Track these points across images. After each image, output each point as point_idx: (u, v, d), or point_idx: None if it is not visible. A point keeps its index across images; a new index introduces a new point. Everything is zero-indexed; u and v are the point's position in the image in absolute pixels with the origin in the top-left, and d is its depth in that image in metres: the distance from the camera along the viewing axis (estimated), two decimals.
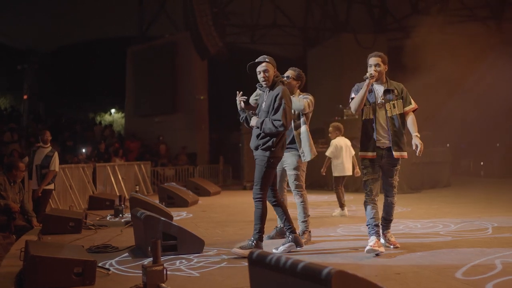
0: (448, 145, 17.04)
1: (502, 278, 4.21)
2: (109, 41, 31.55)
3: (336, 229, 7.26)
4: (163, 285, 4.08)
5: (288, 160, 6.32)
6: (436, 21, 21.01)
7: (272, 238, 6.51)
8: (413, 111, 5.68)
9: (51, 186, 9.20)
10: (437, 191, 12.95)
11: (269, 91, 5.53)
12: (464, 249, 5.52)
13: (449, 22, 21.40)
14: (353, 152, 9.10)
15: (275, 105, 5.35)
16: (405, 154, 5.59)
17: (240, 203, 11.42)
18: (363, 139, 5.63)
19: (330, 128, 9.32)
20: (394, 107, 5.56)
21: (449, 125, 16.78)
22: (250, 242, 5.46)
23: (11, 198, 7.71)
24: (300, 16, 24.26)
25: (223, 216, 9.23)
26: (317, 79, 21.33)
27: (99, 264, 4.83)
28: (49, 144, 9.23)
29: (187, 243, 5.63)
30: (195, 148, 21.10)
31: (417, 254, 5.31)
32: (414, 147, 5.49)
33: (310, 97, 6.38)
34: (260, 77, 5.55)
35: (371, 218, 5.48)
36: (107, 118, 33.77)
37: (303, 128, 6.31)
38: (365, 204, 5.56)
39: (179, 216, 9.16)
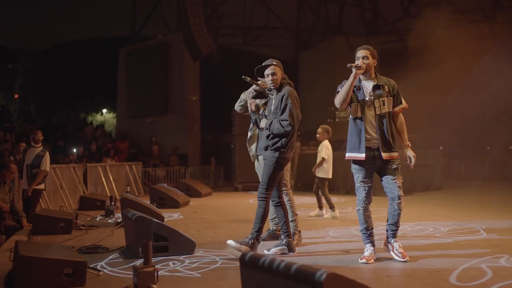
0: (441, 147, 17.12)
1: (496, 284, 4.19)
2: (102, 41, 31.44)
3: (328, 231, 7.26)
4: (154, 286, 4.07)
5: None
6: (427, 24, 21.12)
7: (263, 240, 6.50)
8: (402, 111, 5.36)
9: (42, 186, 9.14)
10: (429, 194, 13.00)
11: (277, 93, 5.63)
12: (455, 252, 5.53)
13: (441, 26, 21.51)
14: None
15: (282, 106, 5.46)
16: (395, 154, 5.16)
17: (232, 205, 11.42)
18: (352, 139, 5.24)
19: (320, 130, 9.33)
20: (384, 104, 5.18)
21: (440, 128, 16.85)
22: (247, 240, 5.53)
23: (1, 198, 7.65)
24: (293, 18, 24.32)
25: (214, 217, 9.21)
26: (310, 82, 21.36)
27: (90, 265, 4.80)
28: (40, 144, 9.18)
29: (178, 244, 5.61)
30: (186, 149, 21.06)
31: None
32: (408, 160, 5.21)
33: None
34: (268, 80, 5.64)
35: (364, 228, 5.22)
36: (98, 118, 33.64)
37: None
38: (358, 212, 5.26)
39: (170, 217, 9.13)
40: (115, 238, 6.78)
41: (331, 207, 8.85)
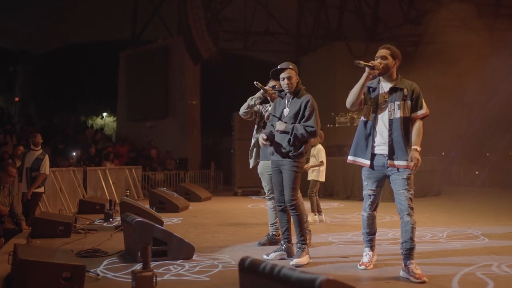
0: (443, 153, 17.12)
1: None
2: (102, 44, 31.51)
3: (327, 236, 7.26)
4: None
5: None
6: (427, 30, 21.19)
7: (262, 245, 6.51)
8: (422, 118, 4.88)
9: (41, 189, 9.14)
10: (428, 200, 12.99)
11: (293, 98, 5.56)
12: (454, 258, 5.53)
13: (441, 32, 21.55)
14: None
15: (307, 113, 5.42)
16: (402, 163, 4.74)
17: (231, 209, 11.41)
18: (358, 142, 4.95)
19: None
20: (398, 108, 4.76)
21: (440, 133, 16.86)
22: (300, 250, 5.42)
23: (0, 201, 7.65)
24: (293, 24, 24.37)
25: (213, 221, 9.21)
26: (309, 87, 21.25)
27: (88, 269, 4.80)
28: (39, 147, 9.18)
29: (177, 248, 5.61)
30: (186, 153, 21.07)
31: None
32: (409, 160, 4.68)
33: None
34: (283, 83, 5.57)
35: (366, 232, 5.10)
36: (98, 121, 33.66)
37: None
38: (363, 216, 5.09)
39: (170, 221, 9.13)
40: (114, 242, 6.77)
41: (319, 210, 8.87)
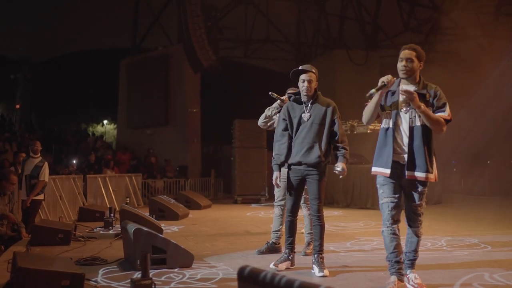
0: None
1: None
2: (103, 52, 31.61)
3: (327, 246, 7.24)
4: None
5: None
6: (427, 39, 21.24)
7: (262, 253, 6.50)
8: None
9: (41, 197, 9.14)
10: (428, 208, 12.83)
11: (311, 103, 5.45)
12: (454, 267, 5.52)
13: (441, 41, 21.61)
14: None
15: (336, 127, 5.42)
16: (422, 176, 4.41)
17: (231, 217, 11.39)
18: (379, 151, 4.56)
19: None
20: (419, 115, 4.40)
21: (440, 142, 16.87)
22: (322, 262, 5.35)
23: (1, 209, 7.65)
24: (293, 32, 24.41)
25: (213, 230, 9.19)
26: None
27: (87, 277, 4.80)
28: (39, 154, 9.18)
29: (176, 257, 5.61)
30: (186, 161, 21.06)
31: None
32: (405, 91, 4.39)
33: None
34: (303, 85, 5.44)
35: (391, 253, 4.51)
36: (99, 129, 33.70)
37: None
38: (383, 234, 4.57)
39: (169, 229, 9.12)
40: (113, 250, 6.77)
41: None
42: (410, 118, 4.43)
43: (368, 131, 13.67)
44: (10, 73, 30.37)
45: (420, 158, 4.40)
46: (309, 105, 5.45)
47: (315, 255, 5.39)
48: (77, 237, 7.63)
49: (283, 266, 5.48)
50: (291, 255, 5.56)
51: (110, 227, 8.89)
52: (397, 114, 4.46)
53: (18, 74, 30.46)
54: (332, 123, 5.39)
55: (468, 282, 4.79)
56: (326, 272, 5.24)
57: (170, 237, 6.02)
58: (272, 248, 6.53)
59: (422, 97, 4.41)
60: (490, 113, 17.99)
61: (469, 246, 6.93)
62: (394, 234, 4.48)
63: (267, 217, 11.22)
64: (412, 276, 4.55)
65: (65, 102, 32.84)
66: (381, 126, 4.59)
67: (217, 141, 23.12)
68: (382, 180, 4.53)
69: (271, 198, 15.28)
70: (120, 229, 7.33)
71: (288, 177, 5.51)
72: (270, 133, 6.81)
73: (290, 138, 5.51)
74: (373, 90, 4.39)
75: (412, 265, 4.58)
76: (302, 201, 6.25)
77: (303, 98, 5.48)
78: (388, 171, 4.45)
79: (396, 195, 4.48)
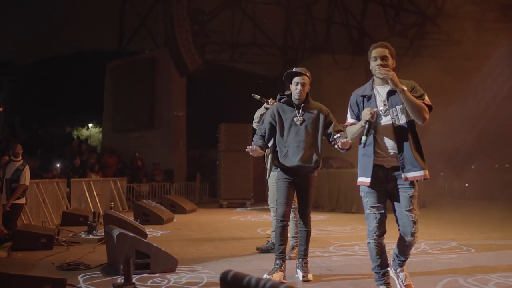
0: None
1: None
2: (88, 55, 31.40)
3: (313, 250, 7.24)
4: None
5: None
6: (412, 44, 21.41)
7: (263, 251, 6.52)
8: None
9: (22, 201, 9.01)
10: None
11: (303, 107, 5.30)
12: (437, 270, 5.54)
13: (426, 45, 21.80)
14: None
15: (333, 119, 5.34)
16: (419, 174, 4.19)
17: (216, 221, 11.36)
18: (361, 160, 4.35)
19: None
20: (402, 113, 4.18)
21: (425, 146, 16.96)
22: (306, 266, 5.29)
23: None
24: (280, 36, 24.46)
25: (198, 234, 9.16)
26: None
27: (70, 282, 4.74)
28: (20, 158, 9.06)
29: (160, 261, 5.57)
30: (172, 165, 20.98)
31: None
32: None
33: None
34: (296, 88, 5.28)
35: (377, 266, 4.35)
36: (84, 132, 33.48)
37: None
38: (369, 245, 4.37)
39: (154, 233, 9.07)
40: (97, 254, 6.71)
41: None
42: (392, 118, 4.21)
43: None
44: None
45: (412, 156, 4.18)
46: (301, 108, 5.31)
47: (300, 259, 5.35)
48: (60, 242, 7.56)
49: (277, 277, 5.12)
50: (283, 265, 5.26)
51: (94, 232, 8.82)
52: (377, 118, 4.24)
53: (2, 77, 30.15)
54: (328, 125, 5.29)
55: (452, 284, 4.80)
56: (310, 276, 5.22)
57: (154, 242, 5.98)
58: (272, 248, 6.49)
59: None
60: (474, 118, 18.15)
61: (453, 249, 6.96)
62: (380, 246, 4.31)
63: (252, 222, 11.21)
64: (402, 275, 4.46)
65: (49, 105, 32.56)
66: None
67: (203, 145, 23.06)
68: (366, 189, 4.30)
69: (257, 202, 15.36)
70: (103, 234, 7.27)
71: (281, 180, 5.31)
72: None
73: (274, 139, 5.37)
74: (364, 138, 4.18)
75: (401, 265, 4.49)
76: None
77: (295, 101, 5.32)
78: (368, 179, 4.24)
79: (381, 204, 4.27)
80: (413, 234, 4.21)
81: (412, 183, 4.21)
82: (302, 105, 5.32)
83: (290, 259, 6.23)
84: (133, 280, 4.80)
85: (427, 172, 4.23)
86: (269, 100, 6.41)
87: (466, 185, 17.65)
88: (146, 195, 16.57)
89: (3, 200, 8.89)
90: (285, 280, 5.17)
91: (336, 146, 5.19)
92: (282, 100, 5.43)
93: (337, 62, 20.74)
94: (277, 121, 5.31)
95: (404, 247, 4.36)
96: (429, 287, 4.76)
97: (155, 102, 21.92)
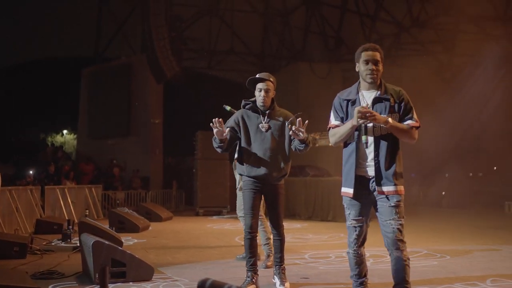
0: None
1: None
2: (64, 60, 31.10)
3: (290, 258, 7.23)
4: None
5: None
6: (389, 53, 21.64)
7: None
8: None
9: None
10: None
11: (268, 113, 5.16)
12: (411, 278, 5.57)
13: (401, 55, 22.08)
14: None
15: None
16: (392, 189, 4.01)
17: (192, 229, 11.31)
18: (343, 169, 4.19)
19: None
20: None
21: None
22: (283, 275, 5.21)
23: None
24: (258, 44, 24.56)
25: (174, 242, 9.10)
26: None
27: None
28: None
29: (136, 270, 5.51)
30: (148, 172, 20.83)
31: None
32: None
33: None
34: (260, 95, 5.14)
35: (356, 274, 4.23)
36: (58, 139, 33.08)
37: None
38: (348, 255, 4.26)
39: (129, 241, 8.99)
40: (71, 263, 6.62)
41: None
42: (374, 127, 3.99)
43: (330, 144, 13.79)
44: None
45: (388, 170, 3.99)
46: (266, 115, 5.16)
47: (276, 267, 5.29)
48: (34, 250, 7.44)
49: None
50: (255, 278, 5.14)
51: (68, 240, 8.71)
52: (360, 126, 4.02)
53: None
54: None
55: None
56: (287, 285, 5.20)
57: (130, 250, 5.93)
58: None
59: (385, 101, 4.01)
60: (449, 127, 18.41)
61: (427, 256, 7.02)
62: (360, 256, 4.19)
63: (229, 230, 11.19)
64: None
65: (23, 111, 32.13)
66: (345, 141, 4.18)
67: (179, 152, 22.95)
68: (348, 200, 4.14)
69: (233, 210, 15.28)
70: (78, 242, 7.18)
71: (247, 190, 5.16)
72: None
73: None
74: (364, 137, 4.02)
75: None
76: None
77: (260, 108, 5.17)
78: (351, 191, 4.07)
79: (363, 217, 4.13)
80: (397, 243, 3.99)
81: (393, 195, 4.00)
82: (267, 112, 5.18)
83: (267, 267, 6.23)
84: None
85: (401, 188, 4.02)
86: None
87: (443, 193, 17.85)
88: (121, 203, 16.40)
89: None
90: None
91: (292, 147, 5.11)
92: (247, 106, 5.25)
93: (314, 70, 20.88)
94: (242, 128, 5.16)
95: (397, 265, 4.04)
96: None
97: (131, 109, 21.78)
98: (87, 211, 11.88)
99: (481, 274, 5.83)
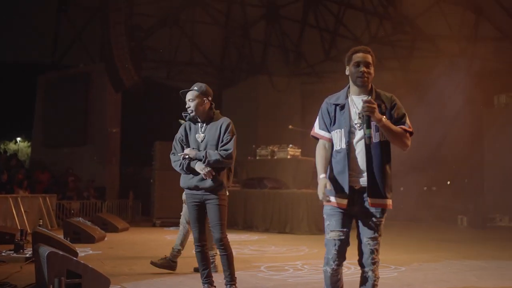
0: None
1: None
2: (18, 66, 30.39)
3: (247, 270, 7.26)
4: None
5: None
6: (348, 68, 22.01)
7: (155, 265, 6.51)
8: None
9: None
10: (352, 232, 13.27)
11: (206, 123, 5.12)
12: None
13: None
14: None
15: (226, 138, 5.01)
16: (385, 202, 3.80)
17: (149, 240, 11.21)
18: (331, 178, 3.79)
19: None
20: (377, 130, 3.72)
21: None
22: None
23: None
24: (217, 56, 24.63)
25: (131, 253, 9.02)
26: (232, 119, 21.46)
27: None
28: None
29: (92, 281, 5.43)
30: (104, 182, 20.53)
31: None
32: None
33: None
34: (188, 105, 5.13)
35: None
36: (11, 146, 32.28)
37: None
38: (325, 272, 3.85)
39: (85, 252, 8.84)
40: (24, 274, 6.49)
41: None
42: (365, 135, 3.70)
43: (288, 157, 13.93)
44: None
45: (381, 181, 3.74)
46: (204, 125, 5.13)
47: (228, 286, 5.08)
48: None
49: None
50: None
51: (21, 250, 8.51)
52: (350, 132, 3.77)
53: None
54: (222, 140, 5.01)
55: None
56: None
57: (85, 261, 5.84)
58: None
59: (377, 107, 3.70)
60: (418, 142, 18.75)
61: (381, 268, 7.14)
62: (337, 274, 3.82)
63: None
64: None
65: None
66: (334, 149, 3.84)
67: (137, 162, 22.72)
68: (330, 209, 3.81)
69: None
70: (31, 252, 7.03)
71: (189, 203, 5.12)
72: None
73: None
74: (368, 131, 3.67)
75: None
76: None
77: (199, 118, 5.14)
78: (345, 201, 3.76)
79: (345, 229, 3.79)
80: (371, 264, 3.84)
81: (378, 209, 3.80)
82: (205, 122, 5.15)
83: (216, 271, 6.24)
84: None
85: (390, 201, 3.83)
86: None
87: (402, 206, 18.21)
88: (76, 213, 16.12)
89: None
90: None
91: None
92: (187, 118, 5.25)
93: (273, 83, 21.06)
94: (185, 139, 5.18)
95: (364, 286, 3.88)
96: None
97: (88, 118, 21.47)
98: (41, 220, 11.66)
99: (434, 286, 5.99)
